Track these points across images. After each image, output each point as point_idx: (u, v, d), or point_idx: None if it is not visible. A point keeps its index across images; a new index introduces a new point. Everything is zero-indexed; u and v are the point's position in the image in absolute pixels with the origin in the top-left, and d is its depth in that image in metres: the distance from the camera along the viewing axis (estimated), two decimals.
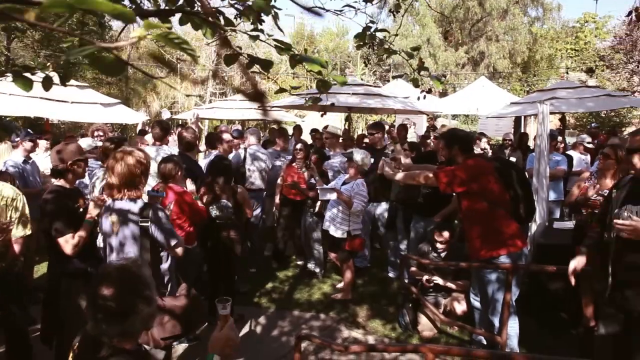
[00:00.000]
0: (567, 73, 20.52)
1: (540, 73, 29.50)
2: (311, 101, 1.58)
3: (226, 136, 5.68)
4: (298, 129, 8.26)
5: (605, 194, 3.96)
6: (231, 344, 1.68)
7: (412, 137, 9.37)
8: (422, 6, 28.66)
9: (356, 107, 8.12)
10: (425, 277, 4.45)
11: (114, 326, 1.50)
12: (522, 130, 11.75)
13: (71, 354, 1.60)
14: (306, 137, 8.53)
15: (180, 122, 17.02)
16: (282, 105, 8.94)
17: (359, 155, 5.08)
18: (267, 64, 1.37)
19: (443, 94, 25.91)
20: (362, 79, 9.39)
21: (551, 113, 7.94)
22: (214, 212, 4.29)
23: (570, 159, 7.06)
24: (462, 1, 28.81)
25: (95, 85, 16.50)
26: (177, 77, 21.22)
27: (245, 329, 4.60)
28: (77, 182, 3.51)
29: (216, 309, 1.75)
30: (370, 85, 8.43)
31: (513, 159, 7.53)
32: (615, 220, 2.46)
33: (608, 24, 31.00)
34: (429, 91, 2.92)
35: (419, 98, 3.16)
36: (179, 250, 2.94)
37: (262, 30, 1.62)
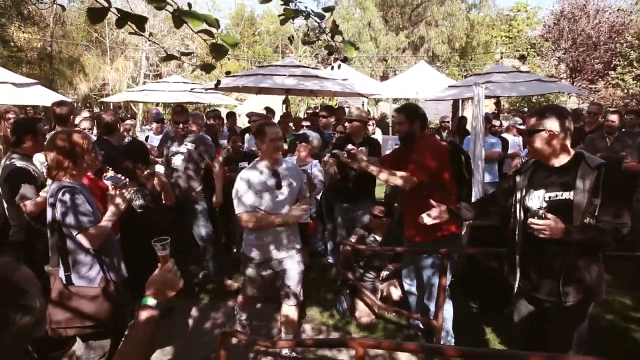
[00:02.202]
0: (501, 59, 21.22)
1: (477, 59, 30.43)
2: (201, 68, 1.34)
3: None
4: (232, 115, 7.94)
5: None
6: (169, 286, 1.57)
7: None
8: None
9: (294, 89, 7.87)
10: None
11: None
12: (460, 114, 12.00)
13: None
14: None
15: (111, 107, 16.03)
16: (217, 87, 8.52)
17: (314, 137, 4.92)
18: (140, 21, 1.12)
19: (384, 77, 26.17)
20: (300, 61, 9.13)
21: (486, 97, 8.09)
22: (138, 201, 3.94)
23: (505, 141, 7.20)
24: None
25: (13, 64, 15.16)
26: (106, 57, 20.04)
27: (176, 323, 4.34)
28: None
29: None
30: (308, 67, 8.21)
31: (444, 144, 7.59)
32: (530, 220, 2.32)
33: (538, 14, 32.46)
34: (344, 60, 2.74)
35: (332, 68, 2.97)
36: (85, 235, 2.58)
37: None
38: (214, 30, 1.16)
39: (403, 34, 29.88)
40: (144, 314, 1.48)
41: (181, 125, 5.11)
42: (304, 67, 8.14)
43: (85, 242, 2.56)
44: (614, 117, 5.93)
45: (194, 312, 4.59)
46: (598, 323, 4.06)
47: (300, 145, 4.79)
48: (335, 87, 7.66)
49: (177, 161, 4.81)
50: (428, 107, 16.87)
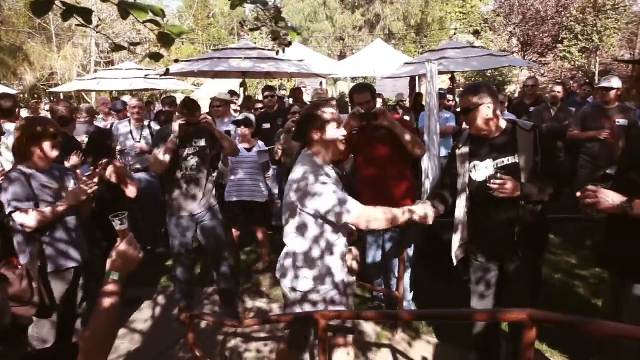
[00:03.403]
0: (455, 35, 21.57)
1: (433, 35, 30.77)
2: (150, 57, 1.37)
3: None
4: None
5: None
6: (131, 260, 1.59)
7: (307, 101, 9.32)
8: None
9: (251, 72, 7.82)
10: None
11: None
12: (417, 91, 12.18)
13: None
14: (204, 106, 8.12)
15: (62, 97, 15.39)
16: (171, 73, 8.35)
17: (252, 117, 5.05)
18: (86, 13, 1.13)
19: (342, 56, 26.15)
20: (255, 43, 9.00)
21: (441, 73, 8.26)
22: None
23: (459, 116, 7.40)
24: None
25: None
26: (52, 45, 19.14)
27: (143, 311, 4.36)
28: None
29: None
30: (263, 49, 8.15)
31: (407, 119, 7.75)
32: (492, 181, 2.48)
33: None
34: (289, 44, 2.77)
35: (277, 52, 3.00)
36: (19, 215, 2.65)
37: None
38: (160, 19, 1.19)
39: (359, 12, 29.82)
40: (107, 301, 1.47)
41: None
42: (259, 49, 8.07)
43: (20, 221, 2.64)
44: (558, 89, 6.25)
45: (161, 299, 4.61)
46: (547, 282, 4.33)
47: (242, 129, 4.87)
48: (291, 68, 7.66)
49: (192, 162, 3.93)
50: (386, 85, 17.09)
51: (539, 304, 2.72)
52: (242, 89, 8.53)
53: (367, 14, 30.17)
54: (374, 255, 3.98)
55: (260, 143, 5.05)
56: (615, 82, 4.94)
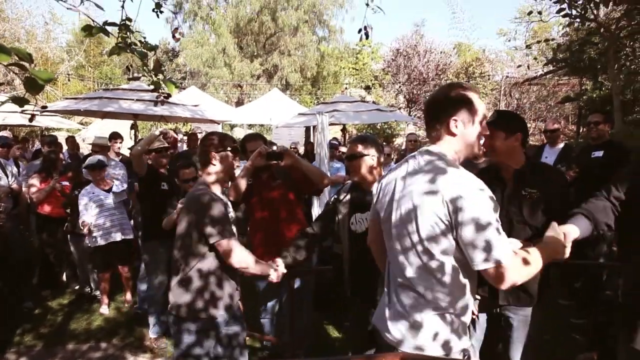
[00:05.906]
0: (347, 89, 22.96)
1: (327, 88, 32.40)
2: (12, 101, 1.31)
3: None
4: (71, 140, 7.37)
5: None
6: None
7: None
8: (219, 16, 28.93)
9: (143, 114, 7.58)
10: None
11: None
12: (312, 140, 12.64)
13: None
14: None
15: None
16: (54, 110, 7.82)
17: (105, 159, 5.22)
18: None
19: (240, 103, 26.42)
20: (149, 85, 8.77)
21: (332, 124, 8.71)
22: None
23: None
24: (257, 15, 29.97)
25: None
26: None
27: None
28: None
29: None
30: (157, 92, 7.97)
31: None
32: None
33: (380, 49, 35.90)
34: (168, 96, 2.81)
35: (156, 104, 3.02)
36: None
37: None
38: (26, 64, 1.14)
39: (257, 62, 30.65)
40: None
41: None
42: (153, 91, 7.89)
43: None
44: None
45: None
46: None
47: (95, 172, 4.92)
48: (185, 112, 7.58)
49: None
50: (282, 133, 17.51)
51: None
52: (132, 131, 8.19)
53: (265, 63, 31.10)
54: (269, 304, 3.90)
55: (117, 183, 5.14)
56: None
